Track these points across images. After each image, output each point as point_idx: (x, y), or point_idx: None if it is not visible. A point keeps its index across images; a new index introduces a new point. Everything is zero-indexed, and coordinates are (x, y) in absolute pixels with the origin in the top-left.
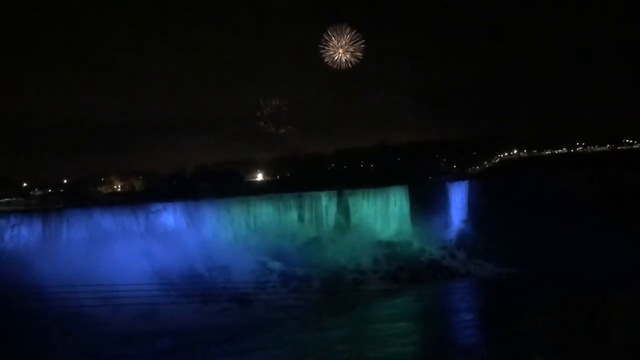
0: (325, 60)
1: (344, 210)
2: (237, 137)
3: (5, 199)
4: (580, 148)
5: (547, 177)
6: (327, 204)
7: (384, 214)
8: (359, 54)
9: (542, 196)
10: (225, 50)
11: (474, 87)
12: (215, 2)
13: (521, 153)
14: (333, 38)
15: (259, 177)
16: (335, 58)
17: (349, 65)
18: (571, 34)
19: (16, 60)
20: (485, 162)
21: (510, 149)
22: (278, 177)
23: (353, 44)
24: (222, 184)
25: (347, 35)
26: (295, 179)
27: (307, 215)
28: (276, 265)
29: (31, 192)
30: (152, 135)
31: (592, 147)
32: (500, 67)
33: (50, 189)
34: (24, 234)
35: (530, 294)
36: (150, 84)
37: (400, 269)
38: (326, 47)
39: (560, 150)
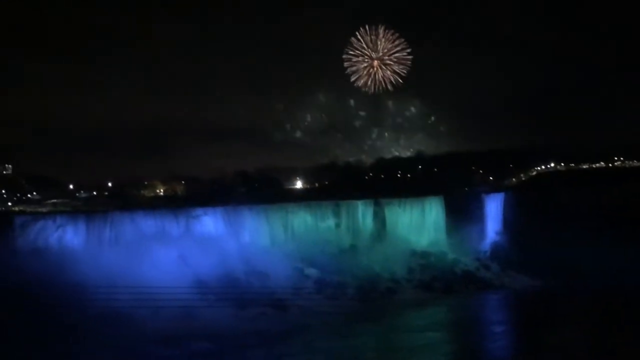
0: (354, 78)
1: (380, 219)
2: (278, 144)
3: (52, 200)
4: (619, 162)
5: (584, 191)
6: (363, 213)
7: (420, 223)
8: (403, 67)
9: (578, 210)
10: (265, 58)
11: (512, 98)
12: (252, 11)
13: (558, 166)
14: (365, 44)
15: (298, 184)
16: (370, 72)
17: (387, 84)
18: (613, 43)
19: (62, 65)
20: (522, 175)
21: (547, 162)
22: (316, 184)
23: (393, 53)
24: (262, 190)
25: (383, 41)
26: (333, 187)
27: (343, 223)
28: (312, 271)
29: (77, 194)
30: (195, 141)
31: (631, 162)
32: (539, 79)
33: (95, 191)
34: (68, 235)
35: (565, 307)
36: (192, 90)
37: (434, 279)
38: (355, 59)
39: (598, 164)
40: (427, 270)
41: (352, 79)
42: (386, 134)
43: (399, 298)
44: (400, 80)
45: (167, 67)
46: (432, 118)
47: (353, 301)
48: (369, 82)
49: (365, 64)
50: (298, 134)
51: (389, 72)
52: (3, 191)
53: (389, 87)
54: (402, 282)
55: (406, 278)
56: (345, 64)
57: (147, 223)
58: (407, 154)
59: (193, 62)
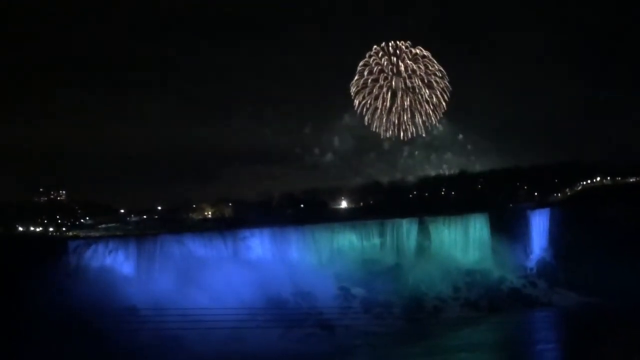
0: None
1: (425, 237)
2: (324, 165)
3: (104, 225)
4: None
5: (632, 205)
6: (408, 231)
7: (464, 241)
8: (438, 98)
9: (626, 224)
10: (306, 81)
11: (556, 113)
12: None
13: (604, 180)
14: (383, 66)
15: (343, 204)
16: (393, 109)
17: (417, 127)
18: None
19: (113, 96)
20: (568, 190)
21: (593, 176)
22: (361, 204)
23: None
24: (308, 211)
25: (407, 60)
26: (378, 207)
27: (388, 242)
28: (358, 291)
29: (128, 218)
30: (241, 164)
31: None
32: (583, 93)
33: (145, 215)
34: (120, 258)
35: (614, 325)
36: (238, 115)
37: (480, 297)
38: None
39: None
40: (473, 288)
41: (367, 119)
42: (416, 152)
43: (445, 317)
44: (437, 122)
45: (210, 95)
46: (460, 136)
47: (400, 320)
48: (389, 121)
49: (381, 82)
50: (329, 156)
51: (419, 107)
52: (58, 217)
53: (421, 130)
54: (448, 301)
55: (452, 296)
56: (356, 100)
57: (196, 245)
58: (451, 171)
59: (235, 89)
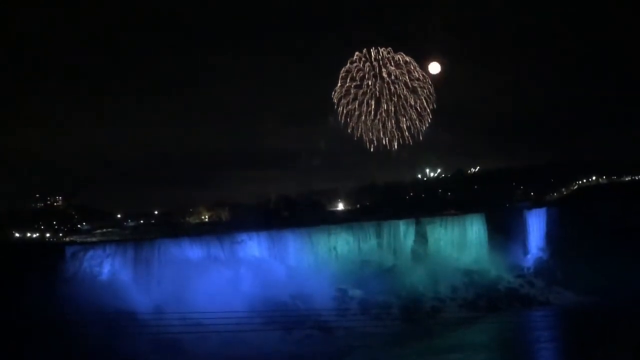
0: (351, 125)
1: (421, 238)
2: (319, 167)
3: (101, 230)
4: None
5: (628, 203)
6: (405, 232)
7: (462, 241)
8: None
9: (622, 223)
10: (300, 85)
11: (551, 113)
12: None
13: (600, 179)
14: (365, 73)
15: (340, 206)
16: (378, 115)
17: (403, 134)
18: None
19: (105, 97)
20: (564, 189)
21: (589, 176)
22: (358, 206)
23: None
24: (305, 214)
25: (389, 59)
26: (374, 208)
27: (385, 243)
28: (356, 292)
29: (124, 223)
30: (238, 167)
31: None
32: (577, 92)
33: (142, 219)
34: (117, 263)
35: (612, 324)
36: (234, 119)
37: (478, 297)
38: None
39: None
40: (471, 288)
41: (351, 127)
42: (404, 154)
43: (443, 317)
44: (423, 127)
45: (206, 98)
46: (449, 136)
47: (398, 321)
48: (374, 128)
49: (367, 97)
50: (317, 159)
51: (404, 112)
52: (54, 222)
53: (407, 138)
54: (447, 301)
55: (450, 296)
56: (340, 107)
57: (193, 249)
58: (447, 172)
59: (231, 91)
